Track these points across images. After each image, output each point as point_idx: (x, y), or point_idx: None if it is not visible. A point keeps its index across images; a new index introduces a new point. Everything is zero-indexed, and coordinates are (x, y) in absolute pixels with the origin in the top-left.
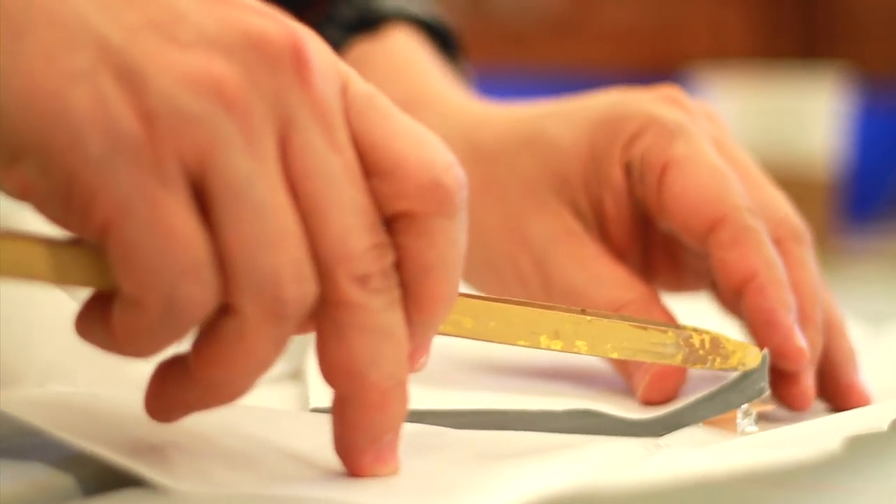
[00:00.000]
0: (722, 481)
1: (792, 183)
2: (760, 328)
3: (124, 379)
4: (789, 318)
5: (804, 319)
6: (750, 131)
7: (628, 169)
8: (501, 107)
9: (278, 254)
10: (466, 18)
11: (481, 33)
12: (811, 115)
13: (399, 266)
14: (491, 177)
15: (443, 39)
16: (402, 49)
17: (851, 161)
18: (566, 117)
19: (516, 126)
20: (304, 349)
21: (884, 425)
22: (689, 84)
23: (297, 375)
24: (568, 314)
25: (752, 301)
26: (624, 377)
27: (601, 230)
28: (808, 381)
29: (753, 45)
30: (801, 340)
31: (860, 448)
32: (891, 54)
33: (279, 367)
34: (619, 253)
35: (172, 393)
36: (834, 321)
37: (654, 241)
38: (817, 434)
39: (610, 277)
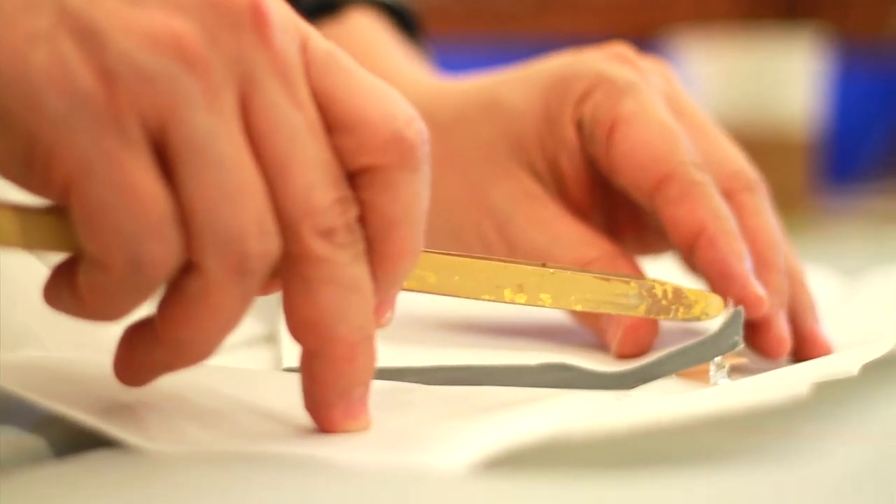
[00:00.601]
0: (690, 426)
1: (772, 144)
2: (716, 280)
3: (96, 343)
4: (743, 267)
5: (765, 265)
6: (731, 94)
7: (580, 128)
8: (459, 80)
9: (241, 209)
10: None
11: (464, 12)
12: (790, 76)
13: (363, 221)
14: (450, 147)
15: (403, 20)
16: (363, 31)
17: (831, 122)
18: (520, 82)
19: (472, 95)
20: (279, 311)
21: (854, 369)
22: (668, 50)
23: (272, 338)
24: (531, 267)
25: (704, 254)
26: (596, 334)
27: (561, 191)
28: (781, 327)
29: (736, 10)
30: (757, 288)
31: (829, 393)
32: (871, 17)
33: (255, 329)
34: (581, 213)
35: (140, 355)
36: (793, 271)
37: (617, 201)
38: (787, 381)
39: (572, 236)
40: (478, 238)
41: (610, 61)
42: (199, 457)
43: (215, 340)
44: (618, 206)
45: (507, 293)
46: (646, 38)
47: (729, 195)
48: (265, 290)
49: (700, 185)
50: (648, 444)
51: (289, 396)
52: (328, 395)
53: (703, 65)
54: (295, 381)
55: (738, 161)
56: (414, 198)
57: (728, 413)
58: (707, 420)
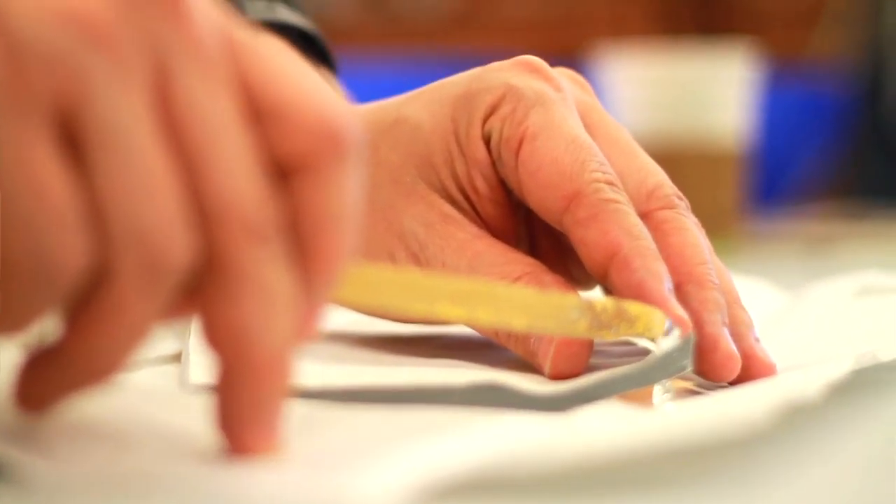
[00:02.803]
0: (636, 457)
1: (702, 160)
2: None
3: None
4: (662, 288)
5: (698, 283)
6: (658, 111)
7: (489, 144)
8: (366, 104)
9: (153, 204)
10: (368, 15)
11: (383, 29)
12: (719, 90)
13: (291, 220)
14: None
15: (313, 44)
16: None
17: (759, 141)
18: (427, 99)
19: (377, 117)
20: (187, 329)
21: (813, 394)
22: (591, 66)
23: (179, 356)
24: (467, 282)
25: (618, 277)
26: (526, 357)
27: (478, 212)
28: (728, 344)
29: (652, 27)
30: (678, 310)
31: (788, 417)
32: (790, 38)
33: (162, 348)
34: (503, 235)
35: (43, 378)
36: (726, 288)
37: (541, 226)
38: (740, 405)
39: (493, 255)
40: (392, 265)
41: (519, 72)
42: (99, 476)
43: (124, 352)
44: (542, 232)
45: (442, 309)
46: (567, 55)
47: (648, 214)
48: (181, 309)
49: (612, 204)
50: (590, 475)
51: (197, 415)
52: (242, 414)
53: (627, 81)
54: (203, 399)
55: (658, 176)
56: (346, 194)
57: (679, 441)
58: (656, 448)
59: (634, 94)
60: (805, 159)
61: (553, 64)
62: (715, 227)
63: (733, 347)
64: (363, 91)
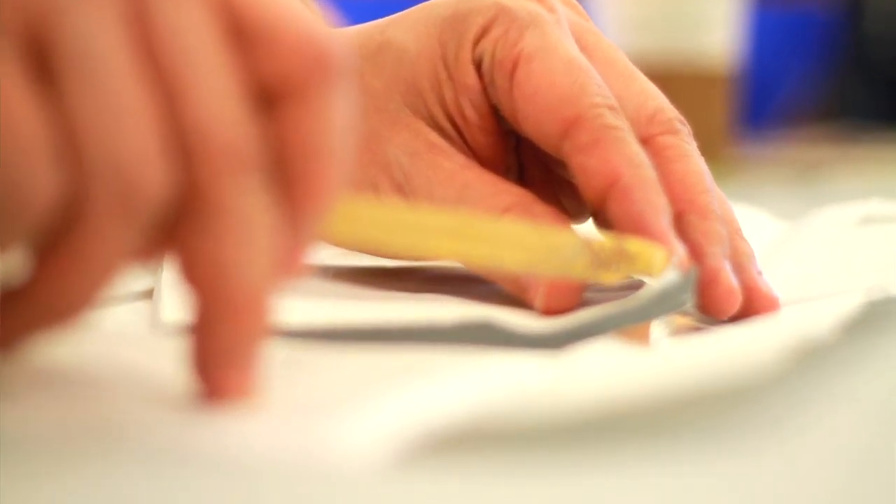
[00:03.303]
0: (635, 403)
1: (692, 80)
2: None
3: None
4: (661, 222)
5: (700, 212)
6: (645, 31)
7: (480, 69)
8: (348, 27)
9: (129, 133)
10: None
11: None
12: (708, 8)
13: (276, 148)
14: None
15: None
16: None
17: (749, 61)
18: (412, 22)
19: (360, 41)
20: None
21: (822, 330)
22: None
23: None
24: (459, 217)
25: (617, 207)
26: (516, 292)
27: (466, 140)
28: (729, 279)
29: None
30: (676, 245)
31: (798, 358)
32: None
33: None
34: (492, 165)
35: (9, 317)
36: (727, 219)
37: (533, 155)
38: (747, 344)
39: (482, 185)
40: (376, 197)
41: None
42: (60, 429)
43: (94, 290)
44: (532, 163)
45: (434, 245)
46: None
47: (649, 140)
48: (156, 248)
49: (613, 130)
50: (592, 424)
51: (169, 357)
52: (220, 355)
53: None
54: (176, 339)
55: (658, 101)
56: (334, 120)
57: (683, 387)
58: (658, 393)
59: (621, 13)
60: (791, 81)
61: None
62: (705, 151)
63: (734, 282)
64: (349, 11)
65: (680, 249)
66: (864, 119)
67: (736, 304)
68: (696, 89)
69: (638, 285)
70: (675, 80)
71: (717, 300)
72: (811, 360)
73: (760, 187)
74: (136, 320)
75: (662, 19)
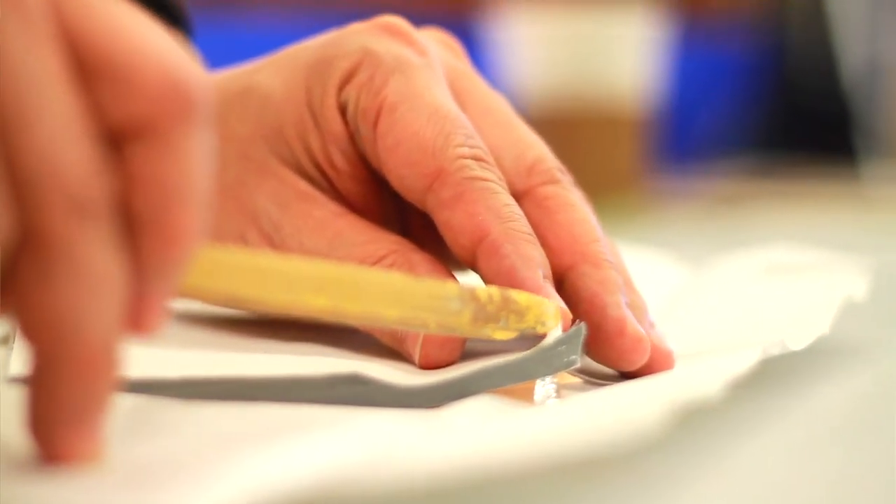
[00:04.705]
0: (512, 473)
1: (602, 120)
2: None
3: None
4: (536, 276)
5: (593, 262)
6: (557, 68)
7: (345, 115)
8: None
9: None
10: None
11: None
12: (617, 49)
13: (127, 194)
14: None
15: (167, 10)
16: None
17: (666, 99)
18: (279, 65)
19: (225, 85)
20: None
21: (711, 391)
22: (486, 26)
23: (6, 340)
24: (332, 267)
25: (486, 264)
26: (394, 345)
27: (337, 189)
28: (635, 326)
29: None
30: (556, 299)
31: (686, 420)
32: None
33: None
34: (368, 213)
35: None
36: (620, 269)
37: (409, 206)
38: (632, 406)
39: (355, 233)
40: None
41: (378, 35)
42: None
43: None
44: (413, 211)
45: (305, 300)
46: (460, 13)
47: (529, 191)
48: None
49: (479, 182)
50: (461, 486)
51: (9, 414)
52: (58, 415)
53: (523, 39)
54: (19, 394)
55: (537, 149)
56: (192, 161)
57: (563, 450)
58: (535, 461)
59: (531, 56)
60: (713, 117)
61: (443, 23)
62: (612, 188)
63: (641, 330)
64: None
65: (561, 303)
66: (785, 153)
67: (645, 352)
68: (604, 129)
69: (531, 337)
70: (582, 120)
71: (624, 351)
72: (698, 421)
73: (671, 225)
74: None
75: (572, 61)
